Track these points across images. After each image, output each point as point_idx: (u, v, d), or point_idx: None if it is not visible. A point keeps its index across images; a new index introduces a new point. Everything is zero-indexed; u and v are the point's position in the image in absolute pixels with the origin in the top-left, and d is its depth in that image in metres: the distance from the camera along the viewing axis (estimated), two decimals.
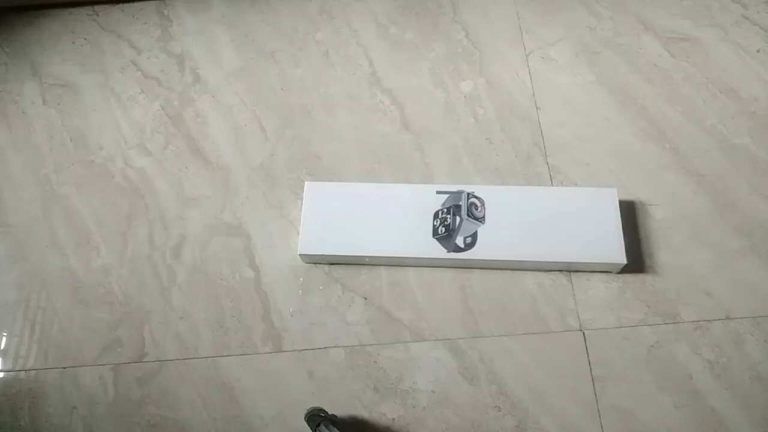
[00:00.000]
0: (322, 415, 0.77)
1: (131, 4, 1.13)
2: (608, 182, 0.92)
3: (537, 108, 0.99)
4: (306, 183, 0.91)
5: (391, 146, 0.98)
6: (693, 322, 0.83)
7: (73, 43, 1.11)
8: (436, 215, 0.87)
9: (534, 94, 1.00)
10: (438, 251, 0.85)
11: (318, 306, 0.88)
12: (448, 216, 0.86)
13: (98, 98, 1.05)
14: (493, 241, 0.85)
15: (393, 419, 0.81)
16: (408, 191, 0.90)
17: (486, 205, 0.86)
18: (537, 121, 0.98)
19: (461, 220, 0.86)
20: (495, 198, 0.87)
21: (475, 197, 0.87)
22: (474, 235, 0.85)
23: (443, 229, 0.86)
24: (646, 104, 0.97)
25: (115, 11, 1.13)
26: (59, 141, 1.02)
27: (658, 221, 0.89)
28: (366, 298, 0.87)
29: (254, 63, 1.06)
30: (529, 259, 0.84)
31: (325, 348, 0.85)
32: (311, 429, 0.75)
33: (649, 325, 0.83)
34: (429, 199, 0.88)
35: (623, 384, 0.80)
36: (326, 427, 0.72)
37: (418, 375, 0.83)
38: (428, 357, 0.84)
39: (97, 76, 1.07)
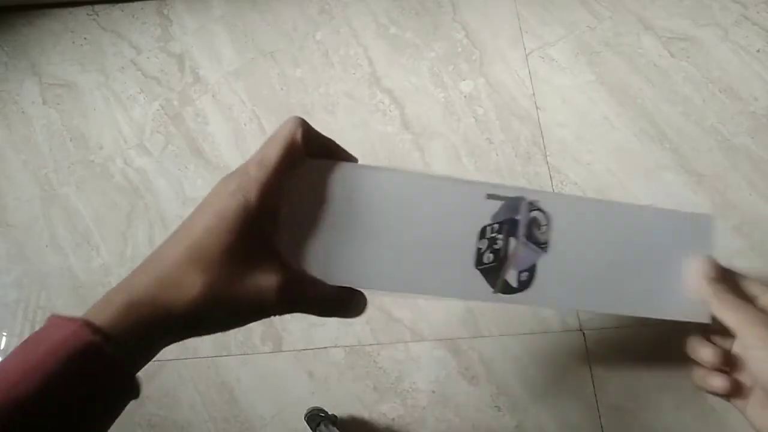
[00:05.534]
0: (322, 415, 0.77)
1: (131, 3, 1.13)
2: (608, 182, 0.92)
3: (537, 108, 0.99)
4: None
5: (391, 146, 0.98)
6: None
7: (73, 42, 1.11)
8: (483, 233, 0.52)
9: (534, 94, 1.00)
10: (479, 290, 0.51)
11: None
12: (499, 236, 0.52)
13: (98, 98, 1.05)
14: (558, 278, 0.52)
15: (393, 419, 0.81)
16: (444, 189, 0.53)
17: (552, 224, 0.53)
18: (537, 121, 0.98)
19: (518, 244, 0.54)
20: (563, 213, 0.53)
21: (539, 209, 0.53)
22: (532, 270, 0.52)
23: (491, 255, 0.52)
24: (646, 104, 0.98)
25: (115, 11, 1.13)
26: (59, 141, 1.02)
27: None
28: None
29: (254, 63, 1.06)
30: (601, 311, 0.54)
31: (325, 348, 0.85)
32: (311, 429, 0.75)
33: (649, 324, 0.83)
34: (474, 207, 0.52)
35: (623, 384, 0.80)
36: (326, 427, 0.72)
37: (418, 375, 0.83)
38: (428, 357, 0.84)
39: (97, 75, 1.07)
